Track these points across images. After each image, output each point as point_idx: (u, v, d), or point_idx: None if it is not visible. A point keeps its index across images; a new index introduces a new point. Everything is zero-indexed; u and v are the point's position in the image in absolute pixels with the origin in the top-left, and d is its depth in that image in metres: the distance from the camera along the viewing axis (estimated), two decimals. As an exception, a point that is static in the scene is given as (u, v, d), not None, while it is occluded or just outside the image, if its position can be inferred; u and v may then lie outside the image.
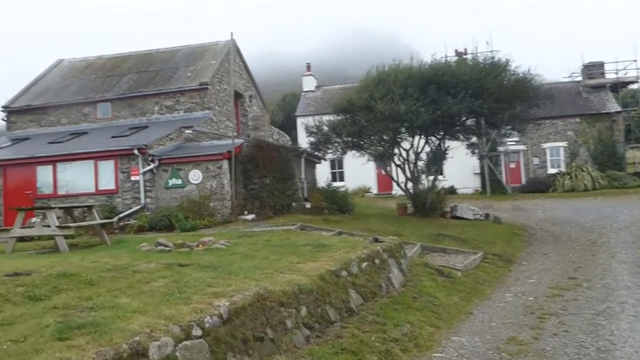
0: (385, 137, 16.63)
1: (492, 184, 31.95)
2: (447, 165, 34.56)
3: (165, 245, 9.62)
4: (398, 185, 18.95)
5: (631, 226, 17.93)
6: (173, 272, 6.80)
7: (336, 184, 36.00)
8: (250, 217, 16.49)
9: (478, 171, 33.11)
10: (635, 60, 34.68)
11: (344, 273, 8.07)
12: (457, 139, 18.17)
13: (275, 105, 48.86)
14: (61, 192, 16.71)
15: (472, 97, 15.43)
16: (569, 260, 13.13)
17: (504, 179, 32.47)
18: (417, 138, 18.09)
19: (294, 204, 17.22)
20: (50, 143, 18.69)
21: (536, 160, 33.66)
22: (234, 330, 5.04)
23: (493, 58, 17.10)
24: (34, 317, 4.76)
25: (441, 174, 36.14)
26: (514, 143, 33.40)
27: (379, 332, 6.76)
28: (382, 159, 18.86)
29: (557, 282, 10.69)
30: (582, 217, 20.88)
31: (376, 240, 10.63)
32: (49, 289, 5.81)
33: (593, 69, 35.56)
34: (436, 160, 18.31)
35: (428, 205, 18.10)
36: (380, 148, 17.35)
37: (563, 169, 32.31)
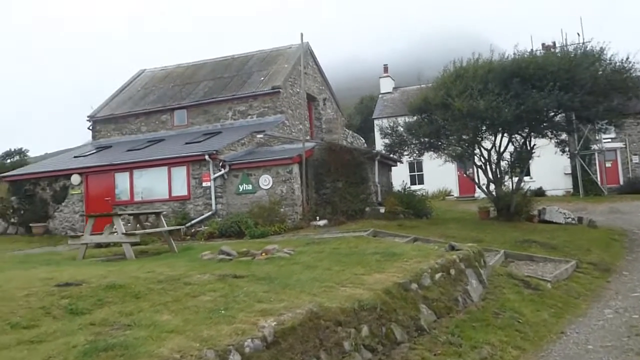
0: (464, 137, 15.49)
1: (585, 184, 29.56)
2: (535, 165, 32.36)
3: (228, 254, 9.25)
4: (479, 187, 17.70)
5: None
6: (225, 285, 6.33)
7: (415, 187, 34.98)
8: (322, 222, 15.96)
9: (569, 171, 30.79)
10: None
11: (414, 286, 7.30)
12: (544, 136, 16.62)
13: (352, 108, 48.34)
14: (137, 198, 17.00)
15: (560, 90, 14.00)
16: (679, 270, 11.53)
17: (598, 179, 29.96)
18: (499, 136, 16.77)
19: (367, 208, 16.51)
20: (128, 150, 19.16)
21: (636, 159, 30.76)
22: (279, 355, 4.44)
23: (585, 47, 15.54)
24: (67, 335, 4.42)
25: (528, 174, 34.09)
26: (609, 140, 30.72)
27: (454, 355, 5.94)
28: (462, 160, 17.63)
29: (667, 297, 9.31)
30: (692, 220, 18.68)
31: (453, 248, 9.71)
32: (93, 302, 5.50)
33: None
34: (521, 160, 16.87)
35: (512, 208, 16.74)
36: (459, 148, 16.20)
37: (667, 167, 29.35)
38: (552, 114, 15.61)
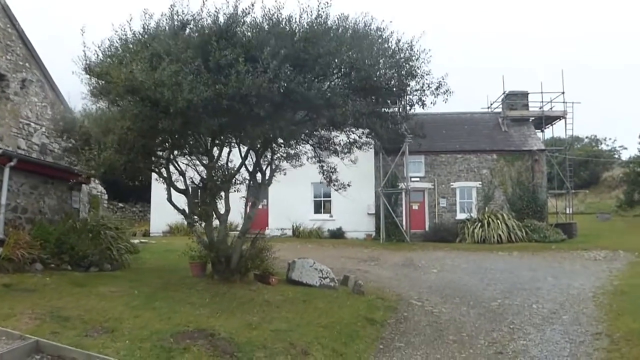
0: (127, 132, 8.61)
1: (388, 228, 24.92)
2: (336, 202, 27.02)
3: None
4: (189, 225, 11.15)
5: (562, 311, 11.03)
6: None
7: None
8: None
9: (373, 211, 26.05)
10: (562, 93, 29.11)
11: None
12: (241, 143, 10.08)
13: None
14: None
15: (291, 67, 8.10)
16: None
17: (403, 223, 25.55)
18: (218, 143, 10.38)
19: (-34, 250, 9.20)
20: None
21: (443, 202, 26.92)
22: None
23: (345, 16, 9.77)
24: None
25: (328, 211, 28.73)
26: (418, 179, 26.66)
27: None
28: (124, 175, 10.62)
29: None
30: (489, 285, 14.03)
31: None
32: None
33: (515, 99, 29.75)
34: (251, 188, 10.66)
35: (235, 262, 10.44)
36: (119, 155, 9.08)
37: (474, 214, 25.74)
38: (286, 109, 9.40)
